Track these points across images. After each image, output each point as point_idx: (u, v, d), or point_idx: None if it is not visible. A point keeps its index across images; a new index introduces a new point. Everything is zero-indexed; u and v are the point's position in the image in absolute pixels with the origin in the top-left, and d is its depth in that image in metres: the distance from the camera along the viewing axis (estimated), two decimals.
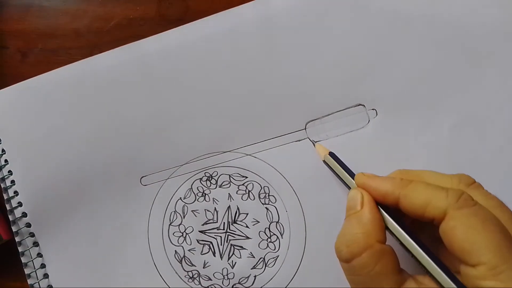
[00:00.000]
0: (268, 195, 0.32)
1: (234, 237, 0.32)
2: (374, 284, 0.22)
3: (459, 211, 0.21)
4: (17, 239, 0.32)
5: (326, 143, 0.31)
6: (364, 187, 0.25)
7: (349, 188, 0.27)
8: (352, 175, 0.27)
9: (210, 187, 0.32)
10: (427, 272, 0.22)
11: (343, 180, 0.28)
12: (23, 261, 0.32)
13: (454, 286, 0.21)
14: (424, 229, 0.25)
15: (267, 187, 0.32)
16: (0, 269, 0.34)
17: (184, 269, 0.32)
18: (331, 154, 0.29)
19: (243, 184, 0.32)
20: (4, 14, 0.36)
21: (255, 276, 0.31)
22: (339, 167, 0.28)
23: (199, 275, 0.32)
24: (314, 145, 0.30)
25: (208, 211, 0.32)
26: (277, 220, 0.31)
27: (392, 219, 0.24)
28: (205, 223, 0.32)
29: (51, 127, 0.32)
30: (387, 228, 0.24)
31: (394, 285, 0.22)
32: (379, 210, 0.24)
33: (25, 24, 0.36)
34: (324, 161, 0.29)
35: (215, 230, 0.32)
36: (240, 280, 0.31)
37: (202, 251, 0.32)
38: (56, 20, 0.35)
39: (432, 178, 0.25)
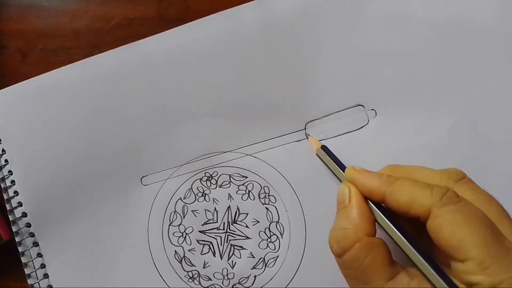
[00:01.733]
0: (268, 195, 0.32)
1: (234, 237, 0.32)
2: (365, 277, 0.22)
3: (443, 209, 0.21)
4: (17, 239, 0.32)
5: (326, 143, 0.31)
6: (353, 182, 0.25)
7: (341, 181, 0.27)
8: (343, 168, 0.27)
9: (210, 187, 0.32)
10: (413, 264, 0.22)
11: (335, 174, 0.28)
12: (23, 261, 0.32)
13: (437, 276, 0.21)
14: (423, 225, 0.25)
15: (267, 187, 0.32)
16: (0, 269, 0.34)
17: (184, 269, 0.32)
18: (324, 147, 0.29)
19: (243, 184, 0.32)
20: (4, 14, 0.36)
21: (255, 276, 0.31)
22: (331, 160, 0.28)
23: (199, 275, 0.32)
24: (307, 138, 0.30)
25: (208, 211, 0.32)
26: (277, 220, 0.31)
27: (380, 212, 0.24)
28: (205, 223, 0.32)
29: (51, 127, 0.32)
30: (376, 221, 0.24)
31: (385, 277, 0.22)
32: (368, 203, 0.24)
33: (25, 24, 0.36)
34: (317, 155, 0.29)
35: (215, 230, 0.32)
36: (240, 280, 0.31)
37: (202, 251, 0.32)
38: (56, 20, 0.35)
39: (421, 174, 0.25)
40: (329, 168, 0.28)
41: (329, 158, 0.28)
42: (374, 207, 0.24)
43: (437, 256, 0.23)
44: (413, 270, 0.23)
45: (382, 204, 0.24)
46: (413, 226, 0.24)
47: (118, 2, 0.35)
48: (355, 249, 0.23)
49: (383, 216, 0.24)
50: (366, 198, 0.25)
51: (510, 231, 0.22)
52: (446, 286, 0.21)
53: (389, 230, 0.23)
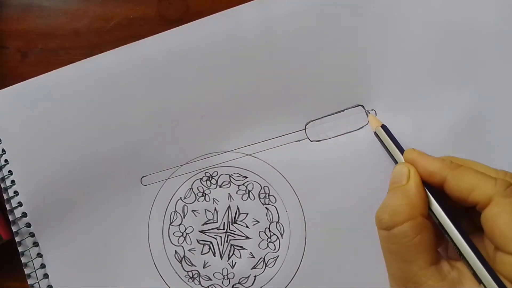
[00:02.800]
0: (268, 195, 0.32)
1: (234, 237, 0.32)
2: (410, 255, 0.23)
3: (506, 199, 0.22)
4: (17, 239, 0.32)
5: (326, 143, 0.31)
6: (413, 163, 0.25)
7: (396, 162, 0.27)
8: (401, 150, 0.27)
9: (210, 187, 0.32)
10: (461, 256, 0.22)
11: (392, 155, 0.28)
12: (23, 261, 0.32)
13: (487, 273, 0.21)
14: (462, 217, 0.25)
15: (267, 187, 0.32)
16: (0, 269, 0.34)
17: (184, 269, 0.32)
18: (383, 127, 0.29)
19: (243, 184, 0.32)
20: (4, 14, 0.36)
21: (255, 276, 0.31)
22: (389, 140, 0.28)
23: (199, 275, 0.32)
24: (367, 115, 0.31)
25: (208, 211, 0.32)
26: (277, 220, 0.31)
27: (435, 198, 0.24)
28: (205, 223, 0.32)
29: (52, 127, 0.32)
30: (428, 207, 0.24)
31: (429, 260, 0.22)
32: (425, 187, 0.25)
33: (25, 24, 0.36)
34: (375, 133, 0.30)
35: (215, 230, 0.32)
36: (240, 280, 0.31)
37: (202, 251, 0.32)
38: (56, 20, 0.35)
39: (479, 167, 0.25)
40: (385, 148, 0.28)
41: (388, 138, 0.28)
42: (429, 193, 0.24)
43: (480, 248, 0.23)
44: (453, 262, 0.23)
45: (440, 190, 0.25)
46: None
47: (118, 2, 0.35)
48: (408, 225, 0.23)
49: (436, 203, 0.24)
50: (423, 181, 0.25)
51: None
52: (493, 283, 0.21)
53: (440, 217, 0.24)
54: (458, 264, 0.23)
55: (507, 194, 0.22)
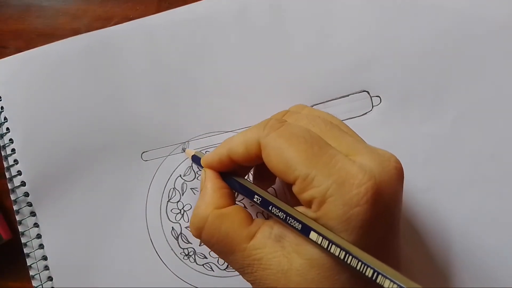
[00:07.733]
0: None
1: None
2: (228, 247, 0.22)
3: (266, 138, 0.22)
4: (15, 207, 0.32)
5: None
6: (207, 166, 0.26)
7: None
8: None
9: None
10: (270, 213, 0.22)
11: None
12: (20, 230, 0.32)
13: (293, 213, 0.21)
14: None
15: None
16: (0, 269, 0.34)
17: (180, 246, 0.32)
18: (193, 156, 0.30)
19: None
20: (4, 14, 0.35)
21: None
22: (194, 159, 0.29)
23: (194, 252, 0.32)
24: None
25: None
26: None
27: (238, 180, 0.24)
28: None
29: (55, 98, 0.32)
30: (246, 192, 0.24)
31: (246, 239, 0.22)
32: (222, 179, 0.25)
33: (25, 24, 0.35)
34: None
35: None
36: None
37: None
38: (56, 20, 0.35)
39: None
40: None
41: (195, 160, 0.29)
42: (234, 178, 0.25)
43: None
44: (272, 220, 0.22)
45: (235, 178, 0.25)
46: None
47: (118, 2, 0.35)
48: (207, 224, 0.23)
49: (237, 182, 0.24)
50: (225, 174, 0.25)
51: (338, 140, 0.22)
52: (290, 212, 0.21)
53: (241, 193, 0.24)
54: (277, 221, 0.22)
55: (266, 133, 0.22)
